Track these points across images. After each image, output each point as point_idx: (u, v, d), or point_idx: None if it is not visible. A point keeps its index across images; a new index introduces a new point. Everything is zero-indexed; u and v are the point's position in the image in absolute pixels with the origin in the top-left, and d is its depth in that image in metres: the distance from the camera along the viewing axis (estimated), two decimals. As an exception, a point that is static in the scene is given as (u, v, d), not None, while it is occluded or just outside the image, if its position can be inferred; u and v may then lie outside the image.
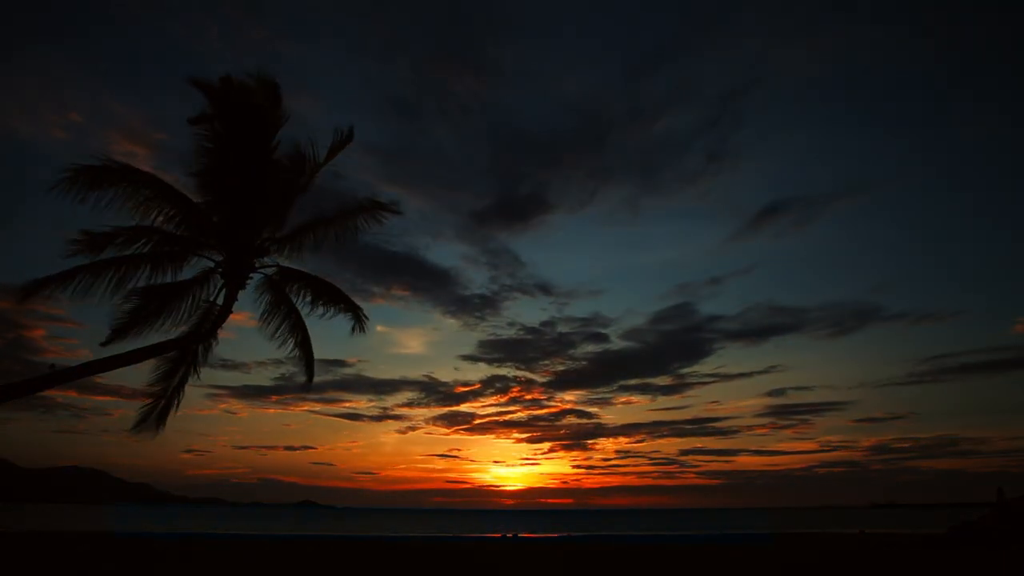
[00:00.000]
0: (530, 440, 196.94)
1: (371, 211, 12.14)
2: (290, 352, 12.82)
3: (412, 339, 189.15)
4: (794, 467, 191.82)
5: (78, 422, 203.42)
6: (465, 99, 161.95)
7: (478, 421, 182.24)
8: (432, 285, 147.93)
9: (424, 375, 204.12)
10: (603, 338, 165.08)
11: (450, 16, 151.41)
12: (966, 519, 27.30)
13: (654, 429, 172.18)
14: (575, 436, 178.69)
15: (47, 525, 42.01)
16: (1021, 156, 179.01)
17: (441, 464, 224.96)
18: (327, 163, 11.82)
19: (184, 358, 11.87)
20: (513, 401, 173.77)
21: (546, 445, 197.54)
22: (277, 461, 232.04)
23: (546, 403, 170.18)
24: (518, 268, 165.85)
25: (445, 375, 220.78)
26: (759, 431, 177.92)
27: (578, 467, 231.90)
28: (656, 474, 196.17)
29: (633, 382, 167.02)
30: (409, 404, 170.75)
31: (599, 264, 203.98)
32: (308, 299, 12.42)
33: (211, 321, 11.39)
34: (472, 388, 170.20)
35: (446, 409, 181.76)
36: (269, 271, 12.14)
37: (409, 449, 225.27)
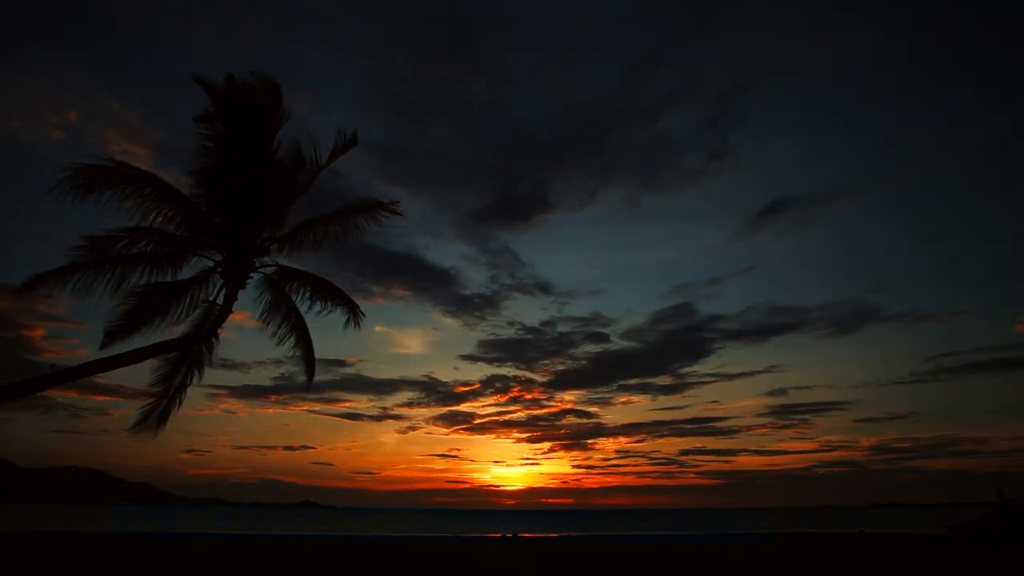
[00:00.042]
0: (530, 440, 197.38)
1: (371, 211, 12.12)
2: (290, 351, 12.83)
3: (412, 339, 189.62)
4: (794, 467, 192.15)
5: (78, 422, 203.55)
6: (465, 98, 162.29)
7: (478, 421, 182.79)
8: (432, 285, 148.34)
9: (424, 375, 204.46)
10: (603, 338, 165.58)
11: (450, 15, 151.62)
12: (966, 519, 27.30)
13: (654, 429, 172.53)
14: (575, 436, 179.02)
15: (47, 525, 42.00)
16: (1021, 156, 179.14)
17: (441, 464, 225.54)
18: (328, 165, 11.83)
19: (185, 358, 11.86)
20: (513, 401, 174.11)
21: (546, 445, 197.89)
22: (277, 461, 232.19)
23: (546, 403, 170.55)
24: (518, 268, 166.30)
25: (445, 375, 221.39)
26: (759, 431, 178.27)
27: (578, 467, 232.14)
28: (656, 474, 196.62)
29: (633, 382, 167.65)
30: (409, 404, 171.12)
31: (599, 264, 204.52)
32: (307, 296, 12.44)
33: (211, 321, 11.38)
34: (472, 388, 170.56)
35: (446, 409, 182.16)
36: (269, 271, 12.14)
37: (409, 449, 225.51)
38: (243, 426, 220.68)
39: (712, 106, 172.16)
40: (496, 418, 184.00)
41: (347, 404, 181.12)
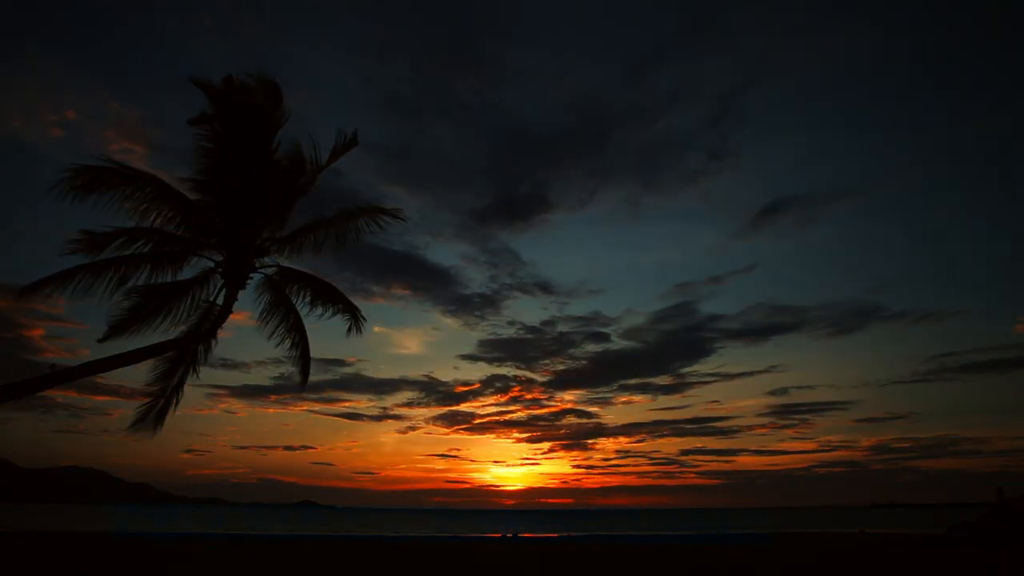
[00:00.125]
0: (530, 440, 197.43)
1: (373, 214, 12.08)
2: (287, 352, 12.83)
3: (412, 338, 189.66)
4: (794, 467, 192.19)
5: (78, 422, 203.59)
6: (465, 98, 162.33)
7: (478, 421, 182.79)
8: (432, 284, 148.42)
9: (424, 375, 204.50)
10: (603, 337, 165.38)
11: (450, 15, 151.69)
12: (966, 519, 27.30)
13: (654, 429, 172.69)
14: (575, 436, 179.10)
15: (47, 525, 41.99)
16: (1021, 156, 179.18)
17: (441, 464, 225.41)
18: (329, 165, 11.82)
19: (183, 358, 11.86)
20: (513, 401, 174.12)
21: (546, 445, 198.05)
22: (277, 461, 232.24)
23: (546, 403, 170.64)
24: (518, 267, 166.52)
25: (445, 375, 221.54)
26: (759, 431, 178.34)
27: (578, 467, 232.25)
28: (656, 474, 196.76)
29: (633, 382, 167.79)
30: (409, 404, 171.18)
31: (599, 263, 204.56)
32: (307, 299, 12.42)
33: (211, 321, 11.38)
34: (472, 388, 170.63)
35: (446, 409, 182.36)
36: (269, 271, 12.14)
37: (409, 449, 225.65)
38: (243, 426, 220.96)
39: (712, 106, 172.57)
40: (496, 418, 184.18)
41: (347, 404, 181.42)
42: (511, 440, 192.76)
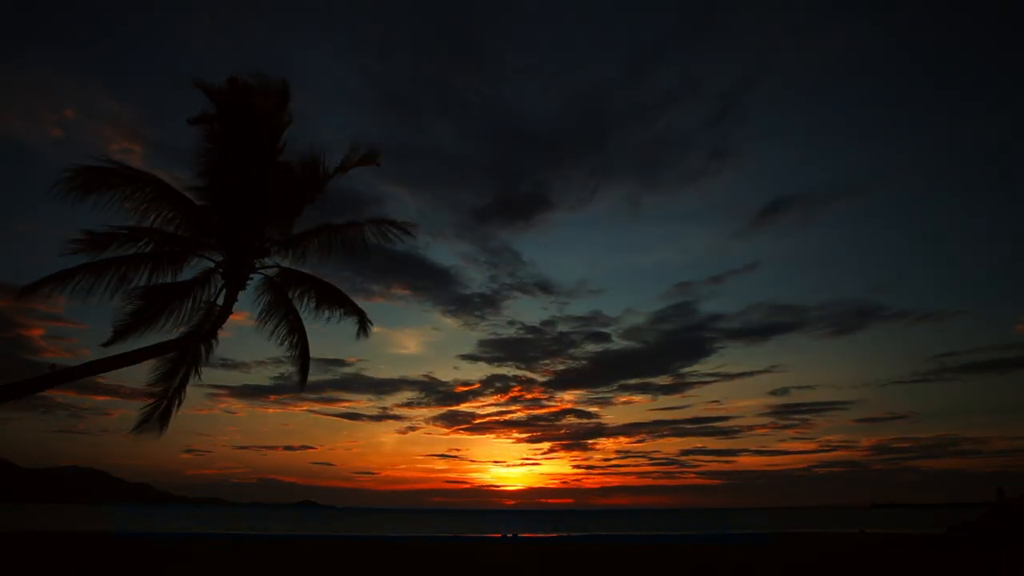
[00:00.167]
0: (530, 440, 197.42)
1: (382, 226, 11.94)
2: (287, 352, 12.81)
3: (412, 338, 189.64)
4: (794, 467, 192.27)
5: (78, 422, 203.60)
6: (465, 97, 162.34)
7: (478, 421, 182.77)
8: (432, 284, 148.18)
9: (424, 375, 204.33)
10: (604, 337, 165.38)
11: (450, 14, 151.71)
12: (966, 519, 27.30)
13: (654, 429, 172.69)
14: (575, 436, 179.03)
15: (47, 525, 41.99)
16: (1021, 156, 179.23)
17: (441, 464, 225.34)
18: (337, 175, 11.72)
19: (184, 358, 11.86)
20: (513, 401, 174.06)
21: (546, 445, 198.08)
22: (277, 461, 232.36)
23: (546, 403, 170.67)
24: (518, 267, 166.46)
25: (445, 375, 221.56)
26: (760, 431, 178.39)
27: (578, 467, 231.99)
28: (656, 474, 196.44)
29: (633, 381, 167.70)
30: (409, 404, 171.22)
31: (600, 263, 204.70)
32: (312, 304, 12.37)
33: (211, 321, 11.39)
34: (472, 388, 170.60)
35: (446, 409, 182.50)
36: (270, 272, 12.14)
37: (409, 449, 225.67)
38: (243, 426, 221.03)
39: (713, 106, 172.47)
40: (496, 418, 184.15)
41: (347, 404, 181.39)
42: (511, 440, 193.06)
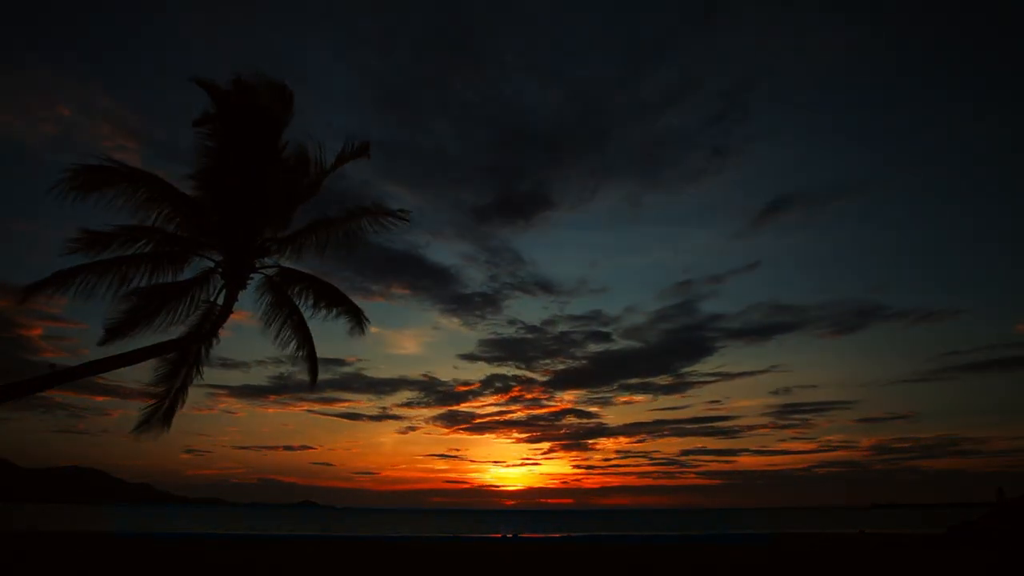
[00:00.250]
0: (530, 440, 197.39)
1: (376, 215, 11.99)
2: (293, 353, 12.81)
3: (412, 338, 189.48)
4: (794, 467, 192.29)
5: (78, 422, 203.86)
6: (465, 95, 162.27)
7: (478, 421, 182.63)
8: (432, 284, 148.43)
9: (424, 374, 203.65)
10: (604, 337, 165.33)
11: (450, 11, 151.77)
12: (966, 519, 27.31)
13: (655, 429, 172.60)
14: (575, 436, 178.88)
15: (47, 525, 42.00)
16: (1022, 156, 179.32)
17: (441, 464, 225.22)
18: (334, 170, 11.75)
19: (185, 358, 11.86)
20: (513, 401, 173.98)
21: (546, 445, 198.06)
22: (277, 461, 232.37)
23: (546, 403, 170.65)
24: (519, 266, 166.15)
25: (445, 374, 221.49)
26: (761, 431, 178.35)
27: (578, 467, 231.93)
28: (656, 474, 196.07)
29: (634, 381, 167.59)
30: (409, 404, 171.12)
31: (600, 262, 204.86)
32: (310, 301, 12.40)
33: (211, 321, 11.39)
34: (472, 387, 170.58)
35: (446, 409, 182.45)
36: (270, 271, 12.14)
37: (409, 449, 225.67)
38: (243, 426, 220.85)
39: (713, 105, 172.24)
40: (496, 418, 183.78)
41: (346, 404, 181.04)
42: (511, 440, 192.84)
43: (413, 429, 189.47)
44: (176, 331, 11.45)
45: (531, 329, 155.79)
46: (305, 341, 12.74)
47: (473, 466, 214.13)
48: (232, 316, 11.31)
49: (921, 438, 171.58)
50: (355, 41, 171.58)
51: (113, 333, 10.86)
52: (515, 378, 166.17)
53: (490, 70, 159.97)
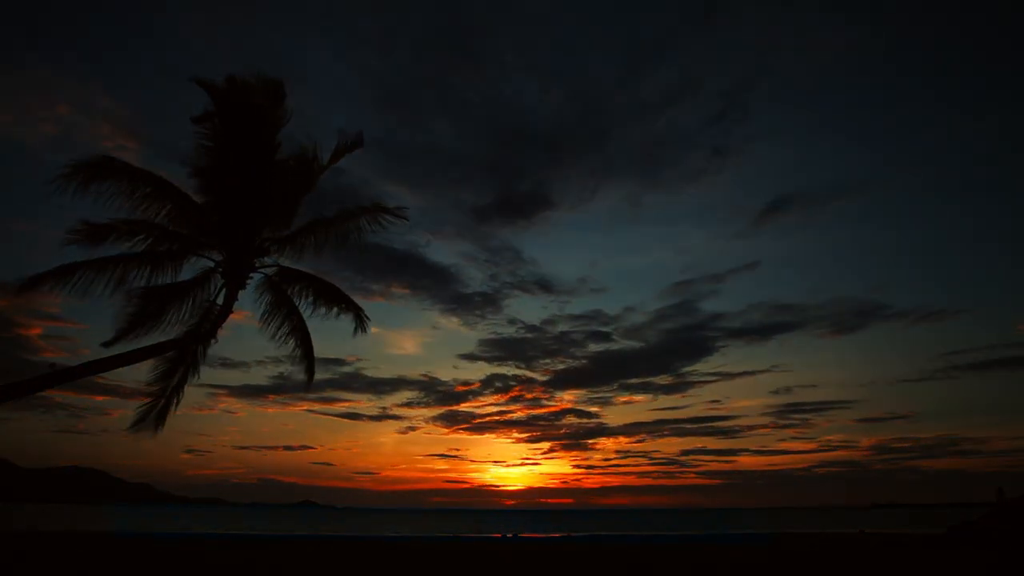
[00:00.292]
0: (530, 440, 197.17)
1: (375, 213, 12.01)
2: (291, 352, 12.81)
3: (411, 338, 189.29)
4: (794, 467, 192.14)
5: (78, 422, 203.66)
6: (465, 95, 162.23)
7: (478, 421, 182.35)
8: (432, 283, 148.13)
9: (423, 374, 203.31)
10: (604, 336, 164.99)
11: (450, 12, 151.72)
12: (966, 519, 27.30)
13: (655, 429, 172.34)
14: (575, 436, 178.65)
15: (47, 525, 42.00)
16: (1021, 157, 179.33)
17: (441, 464, 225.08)
18: (330, 166, 11.78)
19: (183, 358, 11.85)
20: (513, 400, 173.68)
21: (546, 445, 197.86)
22: (277, 461, 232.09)
23: (546, 402, 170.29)
24: (519, 266, 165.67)
25: (445, 374, 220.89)
26: (761, 431, 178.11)
27: (578, 467, 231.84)
28: (656, 474, 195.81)
29: (634, 381, 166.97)
30: (408, 404, 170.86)
31: (600, 262, 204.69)
32: (310, 300, 12.40)
33: (211, 321, 11.38)
34: (472, 387, 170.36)
35: (446, 409, 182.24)
36: (270, 271, 12.13)
37: (409, 449, 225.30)
38: (243, 426, 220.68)
39: (713, 105, 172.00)
40: (496, 418, 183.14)
41: (346, 404, 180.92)
42: (511, 440, 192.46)
43: (413, 429, 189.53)
44: (177, 331, 11.47)
45: (531, 329, 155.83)
46: (303, 341, 12.74)
47: (473, 466, 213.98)
48: (232, 316, 11.32)
49: (921, 438, 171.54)
50: (355, 41, 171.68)
51: (122, 334, 10.89)
52: (515, 378, 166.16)
53: (490, 70, 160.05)
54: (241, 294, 11.46)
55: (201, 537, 30.79)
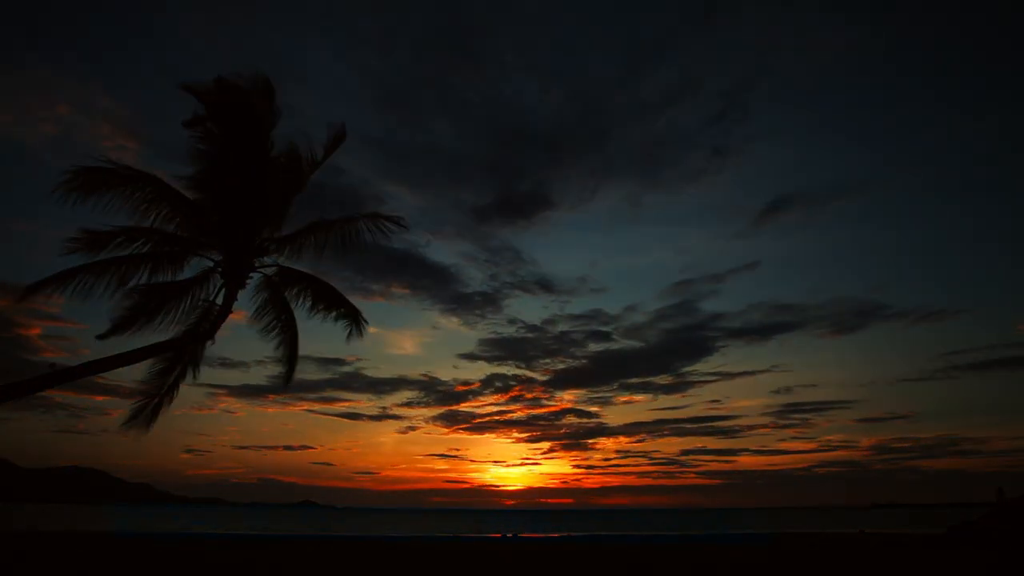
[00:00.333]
0: (530, 440, 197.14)
1: (375, 220, 12.00)
2: (275, 351, 12.83)
3: (411, 338, 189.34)
4: (795, 467, 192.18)
5: (78, 422, 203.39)
6: (465, 95, 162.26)
7: (478, 421, 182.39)
8: (432, 283, 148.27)
9: (423, 374, 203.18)
10: (604, 336, 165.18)
11: (450, 12, 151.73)
12: (966, 519, 27.31)
13: (655, 429, 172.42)
14: (575, 435, 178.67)
15: (47, 525, 42.00)
16: (1021, 156, 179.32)
17: (441, 464, 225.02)
18: (323, 162, 11.84)
19: (181, 357, 11.86)
20: (513, 400, 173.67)
21: (546, 445, 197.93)
22: (277, 461, 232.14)
23: (546, 402, 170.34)
24: (519, 265, 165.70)
25: (445, 374, 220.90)
26: (761, 431, 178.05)
27: (578, 467, 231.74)
28: (656, 474, 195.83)
29: (634, 381, 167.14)
30: (408, 403, 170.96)
31: (600, 262, 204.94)
32: (308, 303, 12.41)
33: (210, 321, 11.39)
34: (472, 387, 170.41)
35: (445, 408, 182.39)
36: (269, 271, 12.14)
37: (409, 449, 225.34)
38: (242, 426, 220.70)
39: (714, 104, 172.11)
40: (496, 418, 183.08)
41: (346, 404, 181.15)
42: (511, 440, 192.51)
43: (413, 429, 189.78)
44: (175, 330, 11.46)
45: (531, 328, 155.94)
46: (290, 342, 12.74)
47: (473, 466, 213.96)
48: (232, 316, 11.32)
49: (921, 438, 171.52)
50: (355, 41, 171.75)
51: (117, 328, 10.86)
52: (515, 378, 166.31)
53: (490, 70, 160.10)
54: (241, 294, 11.47)
55: (201, 537, 30.79)
